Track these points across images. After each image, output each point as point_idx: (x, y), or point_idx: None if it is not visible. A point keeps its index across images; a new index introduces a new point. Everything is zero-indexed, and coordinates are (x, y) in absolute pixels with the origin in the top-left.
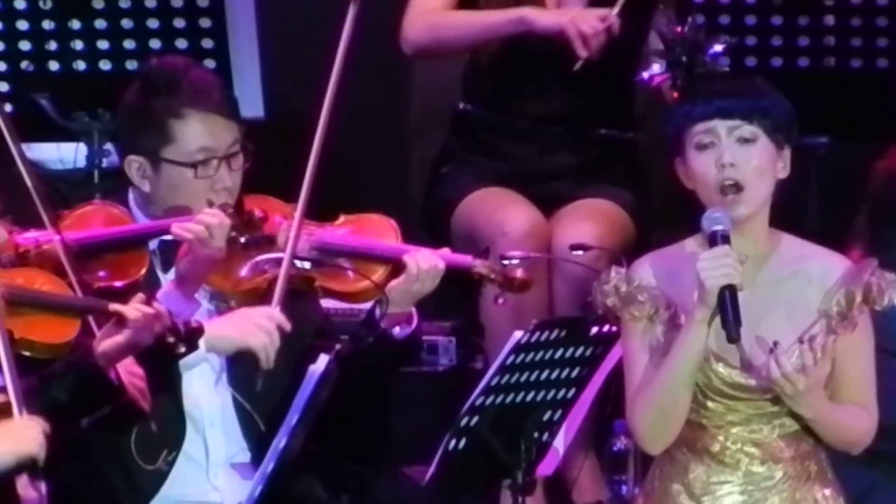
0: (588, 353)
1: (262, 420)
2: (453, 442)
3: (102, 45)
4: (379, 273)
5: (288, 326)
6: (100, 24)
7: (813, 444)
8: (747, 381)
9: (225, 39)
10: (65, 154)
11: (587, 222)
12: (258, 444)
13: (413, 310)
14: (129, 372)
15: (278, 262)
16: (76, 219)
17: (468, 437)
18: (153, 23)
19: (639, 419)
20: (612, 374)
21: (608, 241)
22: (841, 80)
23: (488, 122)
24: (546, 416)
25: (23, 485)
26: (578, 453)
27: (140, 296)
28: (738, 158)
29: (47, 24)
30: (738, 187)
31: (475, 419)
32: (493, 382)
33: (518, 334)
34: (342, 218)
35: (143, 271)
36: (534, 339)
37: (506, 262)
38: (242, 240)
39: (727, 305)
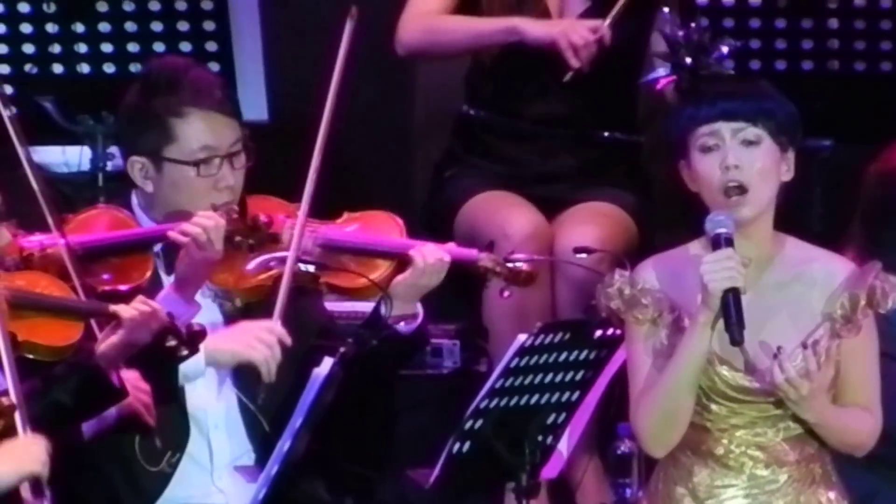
0: (592, 356)
1: (267, 421)
2: (457, 445)
3: (106, 48)
4: (384, 269)
5: (288, 341)
6: (104, 27)
7: (817, 447)
8: (751, 384)
9: (229, 43)
10: (70, 157)
11: (590, 225)
12: (263, 445)
13: (419, 305)
14: (135, 387)
15: (283, 260)
16: (80, 222)
17: (472, 440)
18: (157, 26)
19: (642, 422)
20: (616, 378)
21: (611, 243)
22: (844, 83)
23: (491, 124)
24: (550, 419)
25: (26, 487)
26: (582, 456)
27: (140, 297)
28: (742, 160)
29: (51, 28)
30: (742, 189)
31: (479, 422)
32: (498, 385)
33: (522, 337)
34: (346, 215)
35: (148, 275)
36: (538, 342)
37: (510, 264)
38: (247, 244)
39: (730, 308)
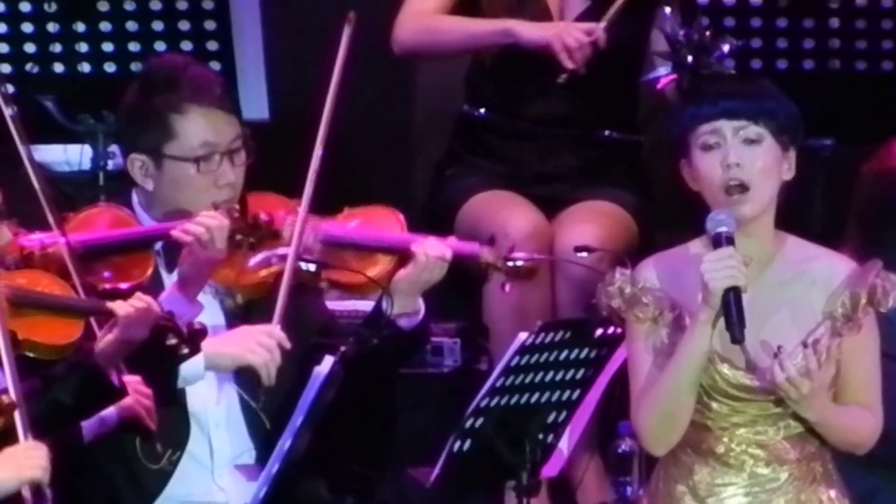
0: (593, 354)
1: (268, 419)
2: (458, 443)
3: (107, 47)
4: (385, 264)
5: (288, 345)
6: (104, 26)
7: (818, 445)
8: (752, 383)
9: (230, 42)
10: (71, 156)
11: (590, 224)
12: (264, 443)
13: (420, 301)
14: (136, 391)
15: (284, 256)
16: (81, 221)
17: (473, 439)
18: (158, 25)
19: (643, 421)
20: (617, 376)
21: (611, 242)
22: (845, 82)
23: (491, 124)
24: (551, 418)
25: (26, 487)
26: (583, 455)
27: (138, 294)
28: (743, 159)
29: (52, 27)
30: (743, 187)
31: (480, 420)
32: (498, 384)
33: (523, 336)
34: (346, 210)
35: (148, 273)
36: (539, 340)
37: (511, 263)
38: (248, 243)
39: (731, 307)
